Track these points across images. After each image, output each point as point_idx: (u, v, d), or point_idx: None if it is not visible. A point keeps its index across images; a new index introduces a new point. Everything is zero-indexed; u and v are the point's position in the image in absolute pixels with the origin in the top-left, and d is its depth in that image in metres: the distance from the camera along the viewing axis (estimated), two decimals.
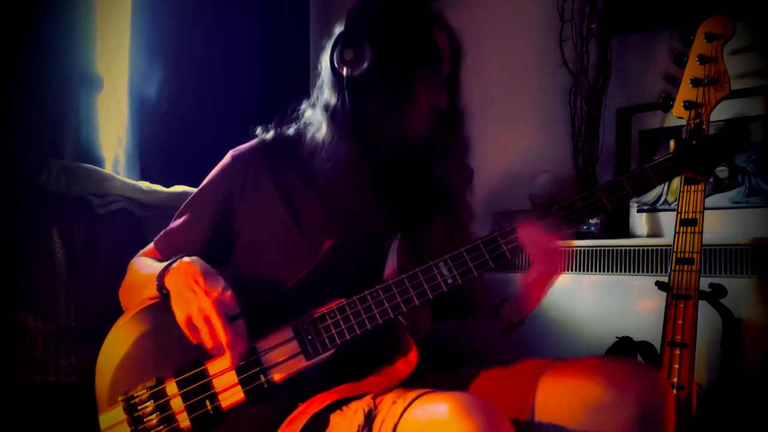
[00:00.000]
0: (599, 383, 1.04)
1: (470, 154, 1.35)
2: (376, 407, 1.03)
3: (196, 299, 1.06)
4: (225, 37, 2.16)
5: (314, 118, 1.30)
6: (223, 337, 1.04)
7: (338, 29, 1.27)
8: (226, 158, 1.33)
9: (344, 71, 1.22)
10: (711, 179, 1.25)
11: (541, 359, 1.16)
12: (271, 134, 1.34)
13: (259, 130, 1.35)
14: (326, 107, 1.25)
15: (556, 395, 1.07)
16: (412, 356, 1.13)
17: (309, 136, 1.28)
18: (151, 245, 1.34)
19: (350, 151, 1.22)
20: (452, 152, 1.30)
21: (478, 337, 1.35)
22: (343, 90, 1.22)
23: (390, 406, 1.00)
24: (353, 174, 1.22)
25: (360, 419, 1.01)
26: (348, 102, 1.22)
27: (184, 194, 1.69)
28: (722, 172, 1.77)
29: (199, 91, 2.04)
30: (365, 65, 1.20)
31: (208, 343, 1.05)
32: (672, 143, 1.24)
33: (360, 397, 1.08)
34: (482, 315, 1.36)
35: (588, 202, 1.17)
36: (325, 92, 1.27)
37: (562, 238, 1.16)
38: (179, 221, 1.33)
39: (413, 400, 0.98)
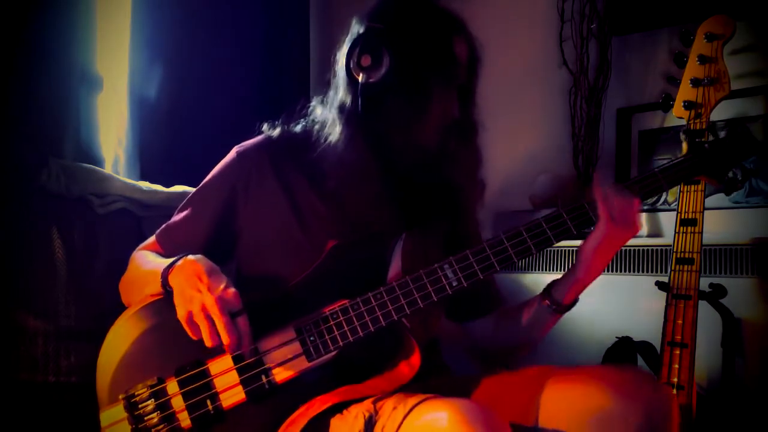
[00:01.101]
0: (604, 392, 1.03)
1: (482, 165, 1.33)
2: (376, 412, 1.02)
3: (200, 296, 1.05)
4: (225, 37, 2.17)
5: (325, 117, 1.28)
6: (224, 336, 1.04)
7: (356, 28, 1.26)
8: (231, 154, 1.32)
9: (360, 77, 1.21)
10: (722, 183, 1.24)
11: (545, 366, 1.16)
12: (277, 131, 1.33)
13: (265, 127, 1.34)
14: (341, 108, 1.24)
15: (561, 403, 1.06)
16: (415, 359, 1.12)
17: (318, 134, 1.27)
18: (152, 238, 1.34)
19: (361, 154, 1.22)
20: (463, 161, 1.29)
21: (528, 322, 1.32)
22: (358, 94, 1.21)
23: (390, 412, 1.00)
24: (362, 177, 1.22)
25: (360, 425, 1.01)
26: (361, 107, 1.21)
27: (184, 194, 1.67)
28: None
29: (199, 91, 2.04)
30: (382, 73, 1.19)
31: (209, 342, 1.05)
32: (684, 146, 1.24)
33: (361, 400, 1.07)
34: (503, 309, 1.36)
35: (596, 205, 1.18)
36: (339, 92, 1.25)
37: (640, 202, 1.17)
38: (181, 216, 1.32)
39: (414, 407, 0.97)
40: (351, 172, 1.22)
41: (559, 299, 1.26)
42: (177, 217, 1.32)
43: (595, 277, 1.22)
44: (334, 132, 1.24)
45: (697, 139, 1.40)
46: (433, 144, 1.25)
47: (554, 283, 1.27)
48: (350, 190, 1.23)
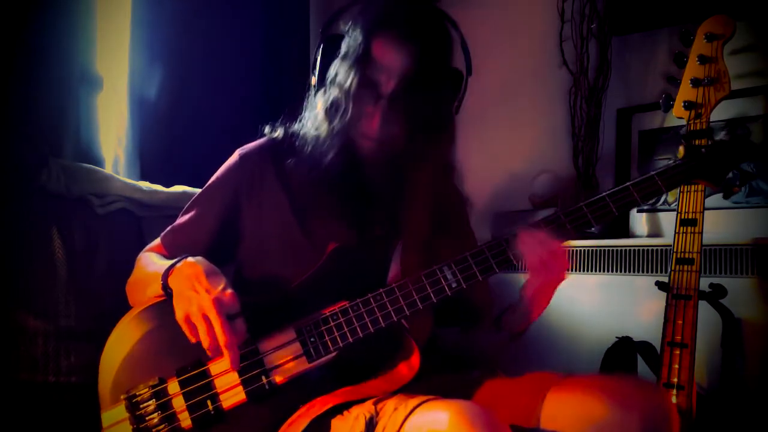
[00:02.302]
0: (604, 402, 1.04)
1: (451, 177, 1.32)
2: (377, 413, 1.03)
3: (197, 298, 1.05)
4: (225, 37, 2.16)
5: (307, 120, 1.30)
6: (221, 336, 1.03)
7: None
8: (234, 156, 1.32)
9: (310, 78, 1.24)
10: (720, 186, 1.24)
11: (547, 372, 1.16)
12: (279, 132, 1.33)
13: (267, 129, 1.35)
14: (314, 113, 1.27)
15: (561, 412, 1.07)
16: (415, 360, 1.13)
17: (305, 137, 1.28)
18: (158, 240, 1.35)
19: (307, 158, 1.23)
20: (426, 172, 1.25)
21: (482, 346, 1.34)
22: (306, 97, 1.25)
23: (392, 412, 1.00)
24: (311, 178, 1.23)
25: (361, 426, 1.01)
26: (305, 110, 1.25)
27: (184, 194, 1.69)
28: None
29: (199, 91, 2.04)
30: (315, 73, 1.22)
31: (205, 342, 1.04)
32: (681, 149, 1.23)
33: (361, 401, 1.07)
34: (486, 323, 1.36)
35: (595, 208, 1.17)
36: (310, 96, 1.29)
37: (564, 243, 1.16)
38: (185, 218, 1.33)
39: (415, 408, 0.98)
40: (324, 174, 1.23)
41: (512, 330, 1.28)
42: (181, 219, 1.33)
43: (539, 314, 1.24)
44: (309, 136, 1.26)
45: (694, 143, 1.40)
46: (370, 151, 1.22)
47: (504, 315, 1.28)
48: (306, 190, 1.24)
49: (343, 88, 1.17)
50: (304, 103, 1.31)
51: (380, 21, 1.19)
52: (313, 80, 1.25)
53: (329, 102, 1.20)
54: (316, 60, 1.24)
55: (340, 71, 1.19)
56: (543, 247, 1.14)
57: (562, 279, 1.18)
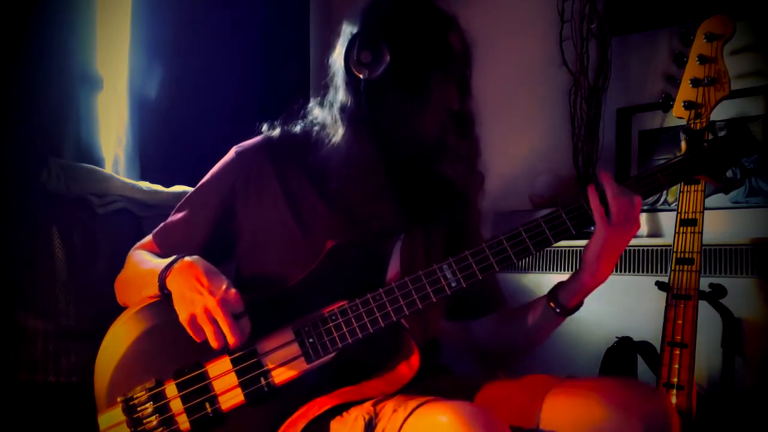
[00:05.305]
0: (604, 405, 1.04)
1: (480, 157, 1.34)
2: (376, 415, 1.02)
3: (201, 299, 1.05)
4: (225, 37, 2.16)
5: (324, 118, 1.28)
6: (230, 337, 1.04)
7: (347, 28, 1.26)
8: (230, 154, 1.31)
9: (362, 74, 1.21)
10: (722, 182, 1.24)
11: (547, 375, 1.16)
12: (276, 131, 1.32)
13: (264, 127, 1.34)
14: (342, 108, 1.24)
15: (561, 414, 1.07)
16: (414, 360, 1.12)
17: (318, 135, 1.27)
18: (149, 237, 1.33)
19: (364, 153, 1.21)
20: (463, 154, 1.29)
21: (532, 323, 1.31)
22: (360, 92, 1.21)
23: (391, 414, 1.00)
24: (369, 175, 1.22)
25: (360, 427, 1.01)
26: (365, 104, 1.21)
27: (184, 194, 1.66)
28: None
29: (199, 91, 2.04)
30: (383, 67, 1.19)
31: (214, 343, 1.05)
32: (683, 145, 1.23)
33: (360, 402, 1.07)
34: (506, 310, 1.36)
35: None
36: (339, 93, 1.25)
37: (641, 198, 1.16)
38: (179, 216, 1.31)
39: (414, 409, 0.97)
40: (354, 171, 1.21)
41: (564, 302, 1.25)
42: (174, 218, 1.31)
43: (601, 281, 1.20)
44: (337, 132, 1.23)
45: (696, 138, 1.40)
46: (434, 136, 1.25)
47: (560, 285, 1.26)
48: (353, 190, 1.23)
49: (399, 101, 1.22)
50: (326, 97, 1.30)
51: (440, 11, 1.27)
52: (342, 79, 1.24)
53: (378, 107, 1.22)
54: (351, 55, 1.22)
55: (392, 88, 1.21)
56: (619, 198, 1.13)
57: (632, 235, 1.17)
